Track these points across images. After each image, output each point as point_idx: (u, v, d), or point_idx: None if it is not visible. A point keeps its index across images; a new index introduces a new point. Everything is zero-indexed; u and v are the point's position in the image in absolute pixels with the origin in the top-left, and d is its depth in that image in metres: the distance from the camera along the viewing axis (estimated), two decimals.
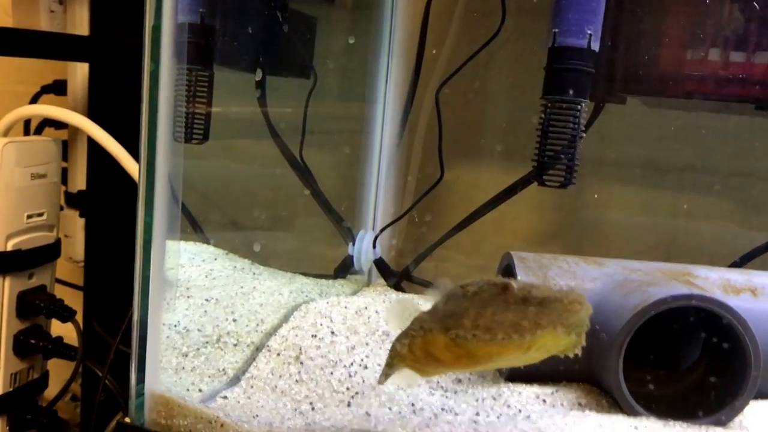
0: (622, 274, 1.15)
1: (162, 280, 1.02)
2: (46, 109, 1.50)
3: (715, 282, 1.15)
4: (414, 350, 0.81)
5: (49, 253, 1.45)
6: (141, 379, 1.00)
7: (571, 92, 1.32)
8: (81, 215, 1.72)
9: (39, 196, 1.40)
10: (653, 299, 1.03)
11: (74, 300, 1.70)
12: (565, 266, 1.18)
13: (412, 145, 1.64)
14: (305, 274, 1.61)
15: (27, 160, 1.37)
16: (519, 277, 1.15)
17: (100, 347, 1.46)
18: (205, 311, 1.32)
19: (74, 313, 1.44)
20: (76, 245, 1.74)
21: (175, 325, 1.26)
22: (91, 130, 1.41)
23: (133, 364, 1.00)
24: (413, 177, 1.64)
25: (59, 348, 1.43)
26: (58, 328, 1.48)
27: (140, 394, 1.00)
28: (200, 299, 1.36)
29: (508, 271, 1.22)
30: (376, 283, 1.63)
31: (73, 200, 1.72)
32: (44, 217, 1.42)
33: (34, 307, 1.39)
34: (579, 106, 1.33)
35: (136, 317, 1.00)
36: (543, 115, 1.34)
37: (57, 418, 1.48)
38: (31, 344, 1.38)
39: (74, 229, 1.75)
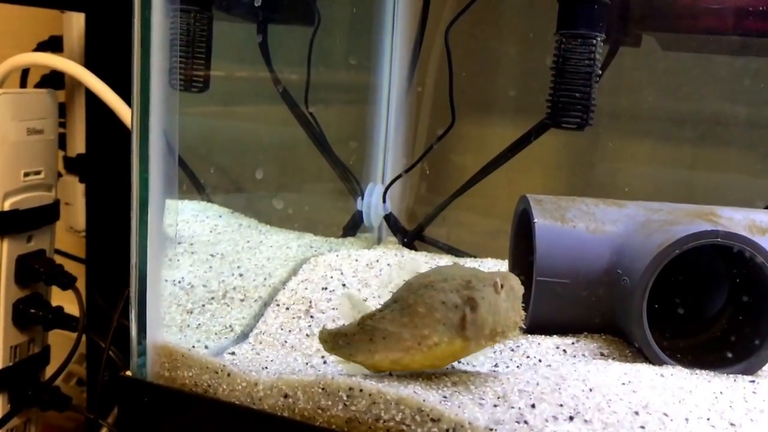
0: (644, 215, 1.10)
1: (160, 233, 0.98)
2: (41, 57, 1.45)
3: (740, 222, 1.09)
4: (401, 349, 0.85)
5: (48, 214, 1.40)
6: (142, 330, 0.96)
7: (586, 26, 1.25)
8: (81, 181, 1.67)
9: (36, 153, 1.35)
10: (676, 237, 0.98)
11: (76, 273, 1.67)
12: (584, 208, 1.12)
13: (422, 92, 1.58)
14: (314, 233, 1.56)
15: (23, 114, 1.32)
16: (536, 220, 1.10)
17: (102, 321, 1.42)
18: (211, 266, 1.28)
19: (74, 279, 1.39)
20: (77, 214, 1.70)
21: (179, 281, 1.22)
22: (88, 79, 1.36)
23: (133, 314, 0.96)
24: (424, 125, 1.58)
25: (60, 318, 1.39)
26: (58, 299, 1.45)
27: (141, 343, 0.96)
28: (205, 254, 1.32)
29: (524, 215, 1.16)
30: (387, 241, 1.58)
31: (72, 165, 1.67)
32: (42, 175, 1.38)
33: (33, 272, 1.35)
34: (594, 41, 1.27)
35: (133, 272, 0.95)
36: (557, 52, 1.28)
37: (59, 394, 1.44)
38: (31, 314, 1.34)
39: (74, 196, 1.70)
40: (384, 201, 1.53)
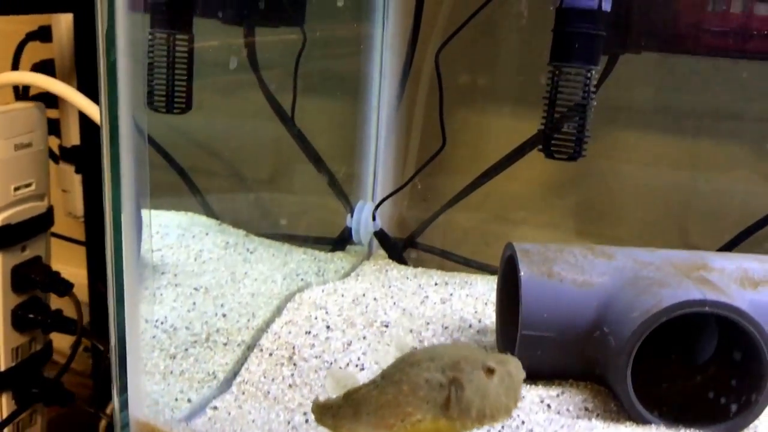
0: (633, 269, 1.07)
1: (137, 278, 0.96)
2: (27, 76, 1.42)
3: (731, 275, 1.07)
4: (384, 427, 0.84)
5: (41, 223, 1.39)
6: (124, 405, 0.95)
7: (580, 59, 1.21)
8: (77, 171, 1.66)
9: (25, 167, 1.34)
10: (664, 305, 0.96)
11: (78, 255, 1.65)
12: (572, 260, 1.10)
13: (413, 109, 1.54)
14: (303, 240, 1.54)
15: (9, 131, 1.30)
16: (522, 273, 1.08)
17: (104, 305, 1.42)
18: (194, 303, 1.26)
19: (71, 286, 1.39)
20: (75, 200, 1.69)
21: (162, 323, 1.21)
22: (75, 99, 1.34)
23: (115, 389, 0.95)
24: (414, 143, 1.55)
25: (59, 322, 1.39)
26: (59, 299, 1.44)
27: (125, 423, 0.95)
28: (189, 288, 1.30)
29: (511, 262, 1.14)
30: (377, 255, 1.56)
31: (67, 155, 1.65)
32: (32, 187, 1.36)
33: (29, 281, 1.35)
34: (589, 74, 1.22)
35: (113, 341, 0.94)
36: (550, 83, 1.24)
37: (63, 390, 1.45)
38: (30, 319, 1.35)
39: (71, 184, 1.69)
40: (374, 219, 1.51)
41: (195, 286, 1.31)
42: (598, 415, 1.02)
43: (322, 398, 0.90)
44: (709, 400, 1.03)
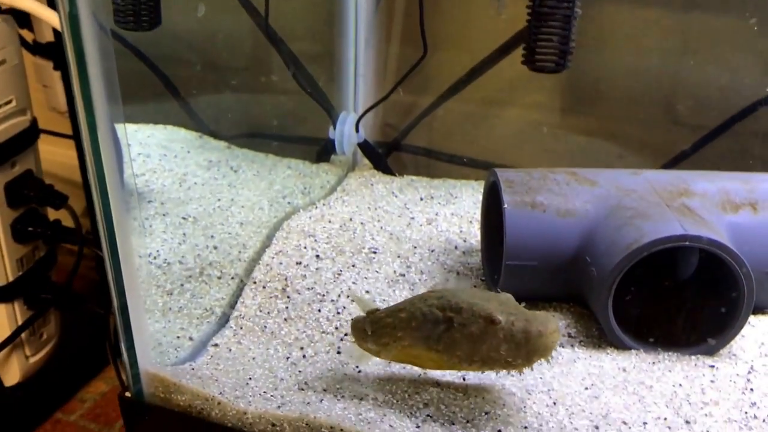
0: (616, 197, 1.09)
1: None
2: None
3: (713, 198, 1.09)
4: (380, 344, 0.95)
5: (27, 137, 1.37)
6: (133, 360, 0.99)
7: None
8: (55, 68, 1.62)
9: (2, 85, 1.30)
10: (645, 240, 0.99)
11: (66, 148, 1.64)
12: (555, 188, 1.11)
13: (392, 15, 1.48)
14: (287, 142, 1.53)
15: None
16: (506, 205, 1.09)
17: None
18: (184, 234, 1.28)
19: (66, 198, 1.38)
20: (57, 96, 1.65)
21: (155, 258, 1.23)
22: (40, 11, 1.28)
23: (123, 345, 0.99)
24: (395, 50, 1.50)
25: (59, 232, 1.39)
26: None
27: (134, 369, 1.00)
28: (177, 217, 1.31)
29: (494, 189, 1.15)
30: (362, 165, 1.56)
31: (43, 50, 1.60)
32: (13, 104, 1.33)
33: (23, 197, 1.35)
34: None
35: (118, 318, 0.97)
36: None
37: (73, 293, 1.45)
38: (30, 232, 1.35)
39: (51, 78, 1.65)
40: (357, 130, 1.50)
41: (183, 215, 1.32)
42: (581, 342, 1.08)
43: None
44: (688, 323, 1.08)
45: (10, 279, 1.32)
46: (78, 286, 1.47)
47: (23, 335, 1.32)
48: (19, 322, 1.34)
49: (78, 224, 1.39)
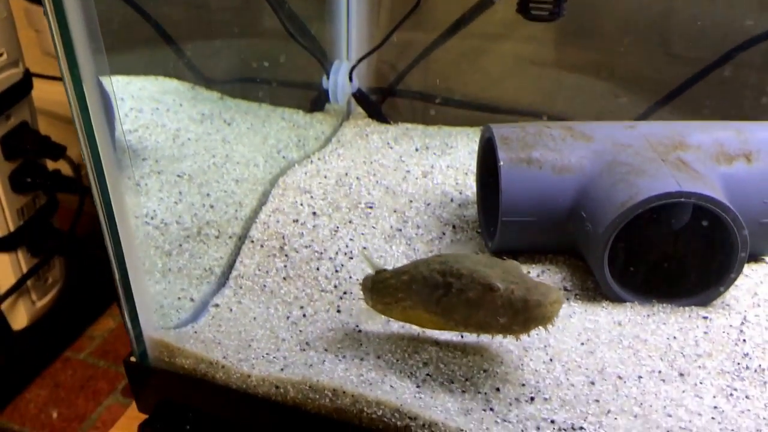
0: (611, 152, 1.09)
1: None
2: None
3: (708, 151, 1.09)
4: (383, 303, 0.98)
5: (20, 89, 1.36)
6: (136, 325, 1.00)
7: None
8: (45, 14, 1.59)
9: None
10: (640, 198, 0.99)
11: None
12: (551, 144, 1.11)
13: None
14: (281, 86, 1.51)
15: None
16: (501, 162, 1.09)
17: None
18: (180, 193, 1.28)
19: (64, 149, 1.38)
20: (50, 40, 1.64)
21: (152, 218, 1.23)
22: None
23: (125, 311, 1.00)
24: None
25: (58, 181, 1.40)
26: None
27: (138, 333, 1.01)
28: (172, 175, 1.31)
29: (489, 145, 1.15)
30: (356, 114, 1.55)
31: None
32: (4, 56, 1.32)
33: (20, 149, 1.34)
34: None
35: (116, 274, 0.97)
36: None
37: (77, 239, 1.47)
38: (29, 183, 1.36)
39: (42, 23, 1.64)
40: (351, 80, 1.48)
41: (178, 173, 1.31)
42: (576, 296, 1.09)
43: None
44: (682, 273, 1.09)
45: (11, 229, 1.33)
46: (83, 226, 1.47)
47: (29, 282, 1.33)
48: (24, 270, 1.35)
49: (78, 173, 1.39)
